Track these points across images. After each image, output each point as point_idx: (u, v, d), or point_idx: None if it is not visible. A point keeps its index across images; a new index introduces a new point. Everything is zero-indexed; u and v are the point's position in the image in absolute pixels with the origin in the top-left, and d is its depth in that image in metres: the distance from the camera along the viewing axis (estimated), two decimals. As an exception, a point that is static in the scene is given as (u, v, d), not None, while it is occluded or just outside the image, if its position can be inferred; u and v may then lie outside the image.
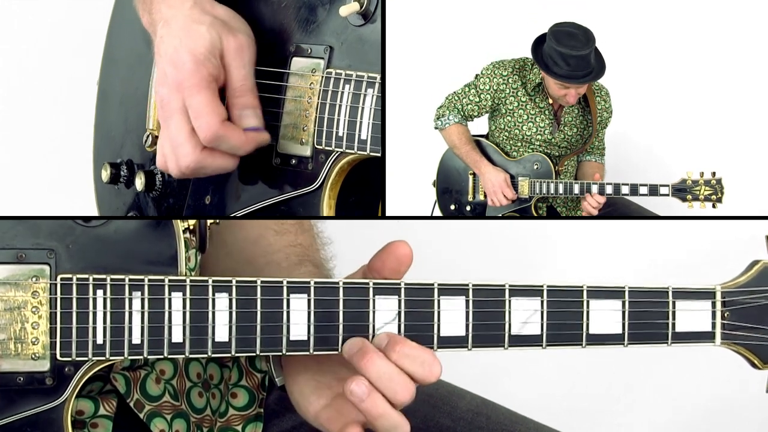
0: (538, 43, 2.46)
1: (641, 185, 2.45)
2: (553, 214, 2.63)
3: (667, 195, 2.43)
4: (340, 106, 1.64)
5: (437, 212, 2.71)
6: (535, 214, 2.59)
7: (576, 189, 2.52)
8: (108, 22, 1.96)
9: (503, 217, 2.64)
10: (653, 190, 2.44)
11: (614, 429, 3.02)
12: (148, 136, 1.81)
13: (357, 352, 1.41)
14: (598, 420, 3.00)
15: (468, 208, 2.65)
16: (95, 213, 1.94)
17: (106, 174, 1.87)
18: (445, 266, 1.60)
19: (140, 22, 1.86)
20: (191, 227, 1.49)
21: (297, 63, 1.69)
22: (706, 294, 1.51)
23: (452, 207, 2.68)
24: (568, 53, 2.39)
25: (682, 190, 2.42)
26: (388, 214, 1.85)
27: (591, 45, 2.39)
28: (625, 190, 2.47)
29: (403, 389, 1.41)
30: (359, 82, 1.63)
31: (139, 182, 1.82)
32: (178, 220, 1.44)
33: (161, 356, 1.40)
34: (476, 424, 1.71)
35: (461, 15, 3.11)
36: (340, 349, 1.42)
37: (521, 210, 2.59)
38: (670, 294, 1.50)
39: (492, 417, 1.73)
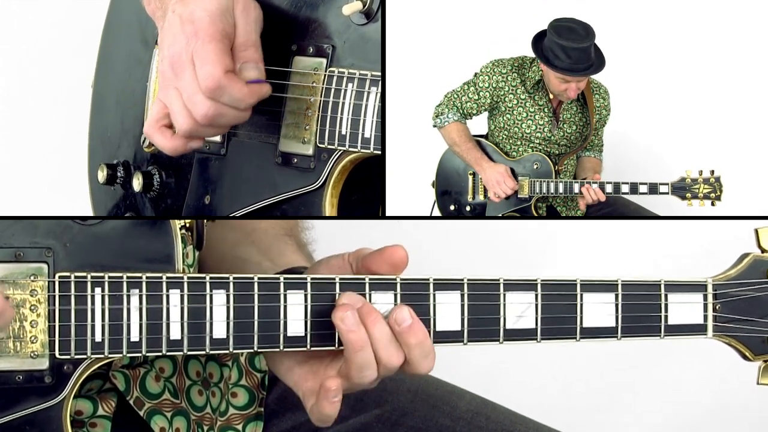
0: (538, 39, 2.47)
1: (641, 184, 2.45)
2: (552, 214, 2.64)
3: (667, 193, 2.44)
4: (343, 104, 1.64)
5: (436, 212, 2.71)
6: (535, 214, 2.59)
7: (576, 188, 2.52)
8: (103, 24, 1.96)
9: (503, 217, 2.64)
10: (653, 189, 2.45)
11: (614, 428, 3.02)
12: (145, 137, 1.81)
13: (363, 306, 1.41)
14: (598, 420, 2.99)
15: (468, 208, 2.66)
16: (91, 213, 1.94)
17: (102, 175, 1.87)
18: (444, 266, 1.60)
19: (137, 23, 1.86)
20: (188, 225, 1.49)
21: (299, 62, 1.69)
22: (698, 287, 1.52)
23: (452, 207, 2.68)
24: (570, 46, 2.40)
25: (681, 189, 2.43)
26: (387, 214, 1.85)
27: (591, 38, 2.40)
28: (624, 188, 2.47)
29: (398, 354, 1.41)
30: (363, 80, 1.63)
31: (137, 183, 1.82)
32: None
33: (160, 353, 1.40)
34: (476, 424, 1.71)
35: (461, 14, 3.11)
36: (337, 345, 1.43)
37: (521, 210, 2.59)
38: (662, 287, 1.50)
39: (492, 417, 1.73)
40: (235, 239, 1.64)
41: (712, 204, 2.41)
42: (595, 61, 2.43)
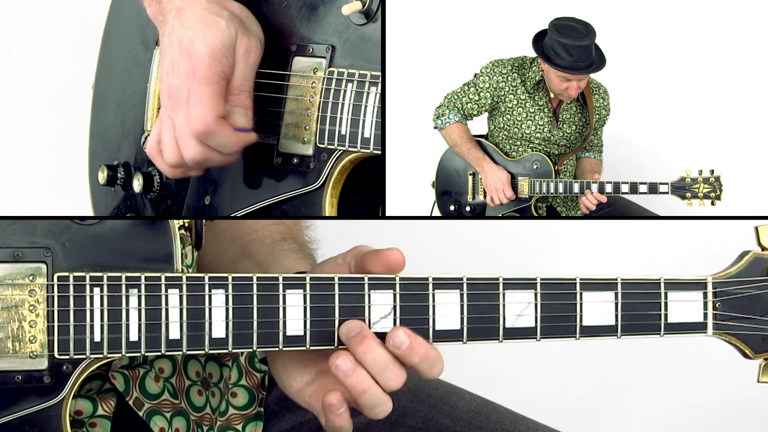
0: (539, 38, 2.47)
1: (641, 183, 2.45)
2: (552, 214, 2.64)
3: (667, 193, 2.44)
4: (342, 104, 1.64)
5: (436, 212, 2.71)
6: (535, 214, 2.59)
7: (576, 188, 2.52)
8: (104, 25, 1.96)
9: (503, 217, 2.64)
10: (653, 189, 2.45)
11: (614, 428, 3.02)
12: (146, 138, 1.82)
13: (355, 336, 1.41)
14: (598, 419, 2.99)
15: (467, 208, 2.66)
16: (91, 214, 1.94)
17: (102, 176, 1.87)
18: (444, 266, 1.60)
19: (137, 25, 1.86)
20: (187, 225, 1.49)
21: (299, 62, 1.69)
22: (698, 285, 1.52)
23: (452, 207, 2.68)
24: (571, 44, 2.40)
25: (681, 188, 2.43)
26: (387, 214, 1.85)
27: (592, 37, 2.40)
28: (624, 188, 2.47)
29: (396, 377, 1.41)
30: (362, 81, 1.63)
31: (137, 184, 1.82)
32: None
33: (159, 353, 1.40)
34: (476, 424, 1.71)
35: (461, 14, 3.11)
36: (336, 344, 1.43)
37: (521, 210, 2.59)
38: (662, 285, 1.50)
39: (492, 417, 1.73)
40: (233, 255, 1.64)
41: (712, 203, 2.41)
42: (596, 59, 2.43)
